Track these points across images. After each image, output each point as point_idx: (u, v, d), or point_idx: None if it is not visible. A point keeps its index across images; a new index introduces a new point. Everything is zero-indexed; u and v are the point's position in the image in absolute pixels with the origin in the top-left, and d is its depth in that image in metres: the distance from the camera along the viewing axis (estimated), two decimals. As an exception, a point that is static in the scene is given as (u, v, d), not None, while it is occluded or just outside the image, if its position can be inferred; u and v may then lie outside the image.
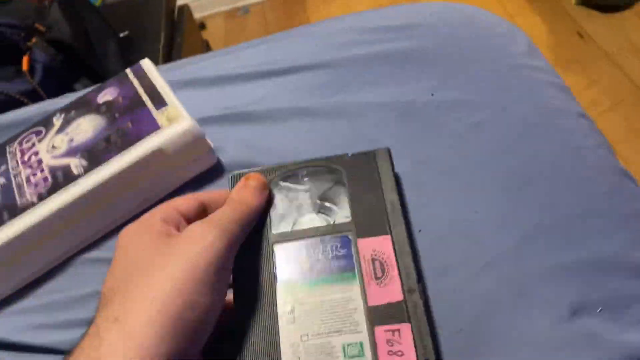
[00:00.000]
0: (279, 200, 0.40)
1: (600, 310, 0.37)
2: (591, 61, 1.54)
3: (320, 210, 0.40)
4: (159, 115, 0.45)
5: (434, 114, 0.47)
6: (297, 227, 0.39)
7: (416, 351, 0.33)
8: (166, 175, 0.45)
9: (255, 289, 0.36)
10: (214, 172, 0.47)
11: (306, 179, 0.41)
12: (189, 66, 0.58)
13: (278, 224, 0.39)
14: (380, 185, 0.40)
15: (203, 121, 0.48)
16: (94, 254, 0.45)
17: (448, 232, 0.40)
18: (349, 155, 0.41)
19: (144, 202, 0.46)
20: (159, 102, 0.46)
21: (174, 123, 0.44)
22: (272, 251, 0.38)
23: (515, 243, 0.39)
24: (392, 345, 0.33)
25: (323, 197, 0.40)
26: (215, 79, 0.55)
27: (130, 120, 0.45)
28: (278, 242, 0.38)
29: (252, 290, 0.36)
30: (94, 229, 0.45)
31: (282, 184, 0.41)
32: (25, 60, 0.89)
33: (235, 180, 0.40)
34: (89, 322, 0.29)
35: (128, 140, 0.44)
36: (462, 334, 0.36)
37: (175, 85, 0.52)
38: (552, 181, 0.42)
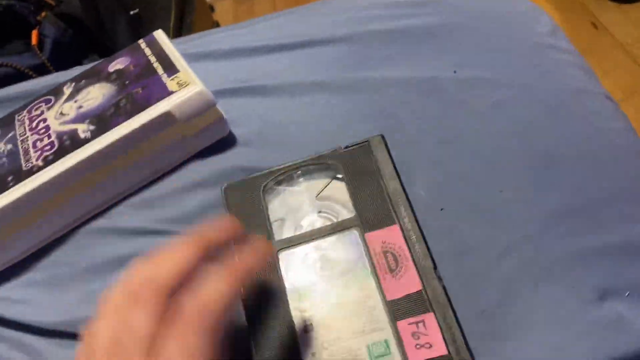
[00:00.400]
0: (277, 205, 0.39)
1: (628, 295, 0.35)
2: (605, 52, 1.51)
3: (321, 209, 0.38)
4: (169, 82, 0.43)
5: (457, 91, 0.46)
6: (300, 231, 0.37)
7: (445, 341, 0.32)
8: (176, 144, 0.44)
9: (266, 302, 0.34)
10: (225, 144, 0.46)
11: (301, 179, 0.40)
12: (203, 39, 0.57)
13: (280, 230, 0.38)
14: (380, 174, 0.38)
15: (216, 94, 0.46)
16: (99, 222, 0.44)
17: (471, 212, 0.39)
18: (343, 148, 0.40)
19: (154, 173, 0.45)
20: (171, 69, 0.45)
21: (184, 88, 0.42)
22: (277, 259, 0.36)
23: (540, 225, 0.38)
24: (418, 339, 0.32)
25: (322, 196, 0.39)
26: (230, 52, 0.53)
27: (141, 86, 0.44)
28: (282, 249, 0.37)
29: (263, 304, 0.34)
30: (101, 198, 0.44)
31: (277, 187, 0.40)
32: (34, 34, 0.88)
33: (227, 193, 0.39)
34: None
35: (137, 105, 0.43)
36: (484, 315, 0.35)
37: (188, 58, 0.50)
38: (578, 162, 0.41)
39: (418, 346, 0.32)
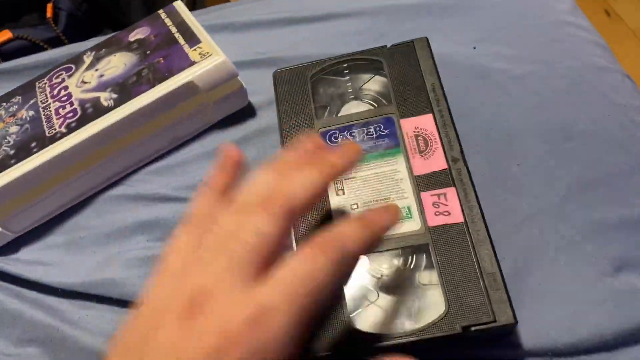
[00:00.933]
0: (322, 92, 0.43)
1: (643, 268, 0.36)
2: (618, 40, 1.50)
3: (363, 98, 0.42)
4: (191, 52, 0.44)
5: (476, 65, 0.46)
6: (342, 114, 0.41)
7: (462, 211, 0.34)
8: (197, 113, 0.44)
9: None
10: (245, 114, 0.46)
11: (347, 71, 0.44)
12: (220, 11, 0.57)
13: (322, 114, 0.41)
14: (420, 70, 0.41)
15: (235, 65, 0.47)
16: (119, 189, 0.44)
17: (489, 184, 0.39)
18: (388, 46, 0.43)
19: (174, 141, 0.45)
20: (192, 39, 0.45)
21: (207, 58, 0.43)
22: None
23: (558, 197, 0.39)
24: (438, 207, 0.35)
25: (365, 88, 0.42)
26: (248, 24, 0.53)
27: (162, 56, 0.44)
28: (323, 128, 0.41)
29: None
30: (122, 165, 0.44)
31: (324, 77, 0.44)
32: (49, 7, 0.88)
33: (277, 78, 0.44)
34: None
35: (160, 75, 0.43)
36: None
37: (206, 30, 0.50)
38: (597, 137, 0.41)
39: (437, 213, 0.35)
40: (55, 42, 0.85)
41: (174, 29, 0.47)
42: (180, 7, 0.49)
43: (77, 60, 0.48)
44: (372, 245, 0.27)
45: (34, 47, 0.84)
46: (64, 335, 0.38)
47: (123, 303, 0.39)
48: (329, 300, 0.26)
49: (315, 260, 0.24)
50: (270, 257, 0.25)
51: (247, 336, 0.23)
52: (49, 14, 0.87)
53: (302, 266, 0.24)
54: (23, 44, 0.84)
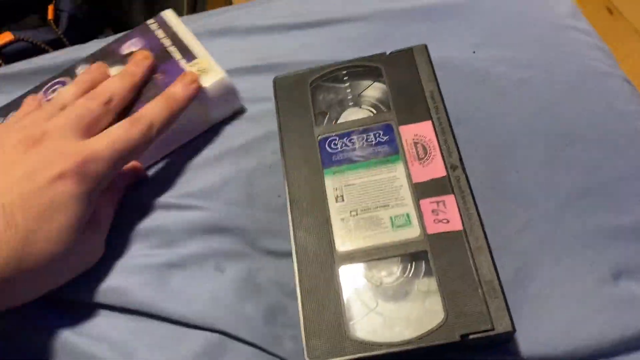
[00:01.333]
0: (321, 99, 0.43)
1: (643, 275, 0.36)
2: (620, 38, 1.49)
3: (362, 105, 0.42)
4: (188, 68, 0.44)
5: (475, 70, 0.46)
6: (341, 121, 0.42)
7: (461, 219, 0.35)
8: (192, 124, 0.45)
9: (304, 177, 0.39)
10: (244, 121, 0.47)
11: (346, 78, 0.44)
12: (219, 16, 0.56)
13: (322, 121, 0.42)
14: (419, 77, 0.42)
15: (234, 71, 0.47)
16: None
17: (488, 191, 0.39)
18: (387, 53, 0.44)
19: (165, 148, 0.45)
20: (188, 54, 0.45)
21: (205, 75, 0.43)
22: (318, 143, 0.40)
23: (557, 203, 0.39)
24: (437, 215, 0.36)
25: (364, 94, 0.43)
26: (247, 30, 0.53)
27: (159, 72, 0.44)
28: (322, 134, 0.41)
29: (301, 178, 0.39)
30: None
31: (324, 84, 0.44)
32: (50, 8, 0.88)
33: (277, 84, 0.44)
34: None
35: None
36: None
37: (205, 35, 0.50)
38: (597, 143, 0.41)
39: (436, 221, 0.35)
40: (56, 44, 0.85)
41: (167, 42, 0.46)
42: (169, 17, 0.48)
43: (71, 72, 0.47)
44: (174, 119, 0.40)
45: (35, 49, 0.84)
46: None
47: (125, 311, 0.39)
48: (137, 156, 0.39)
49: (130, 130, 0.37)
50: (94, 128, 0.38)
51: (82, 167, 0.34)
52: (50, 15, 0.87)
53: (121, 132, 0.37)
54: (24, 46, 0.84)
